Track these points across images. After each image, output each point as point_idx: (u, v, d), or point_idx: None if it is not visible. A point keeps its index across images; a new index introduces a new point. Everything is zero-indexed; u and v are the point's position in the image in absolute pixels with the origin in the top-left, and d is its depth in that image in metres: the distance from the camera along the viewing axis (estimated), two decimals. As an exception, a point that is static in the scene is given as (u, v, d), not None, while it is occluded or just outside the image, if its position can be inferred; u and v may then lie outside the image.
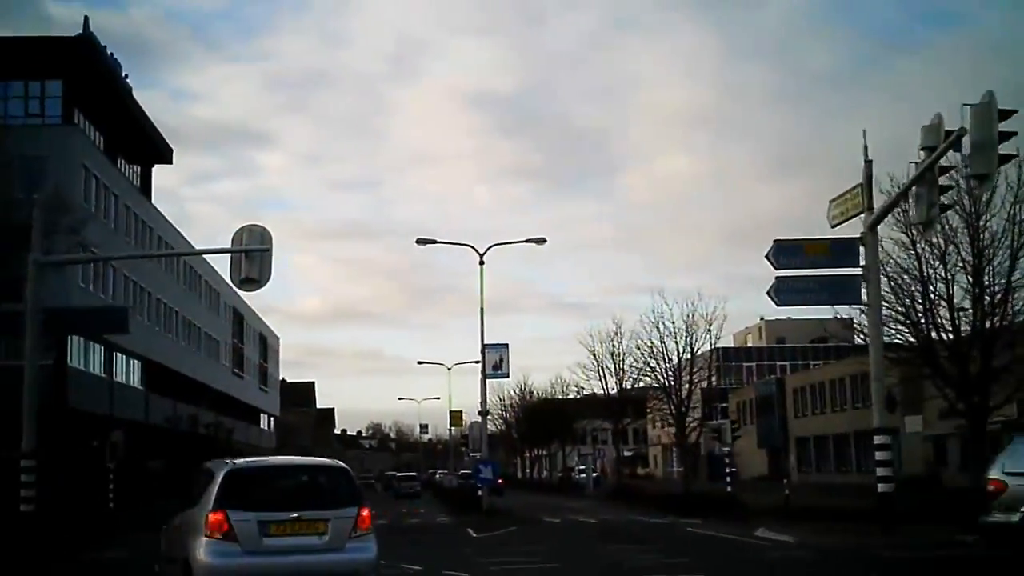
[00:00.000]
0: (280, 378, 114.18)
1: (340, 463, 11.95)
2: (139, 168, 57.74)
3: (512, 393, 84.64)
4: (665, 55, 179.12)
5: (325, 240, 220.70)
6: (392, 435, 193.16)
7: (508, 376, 35.15)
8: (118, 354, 49.65)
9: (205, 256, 70.51)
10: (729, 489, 37.66)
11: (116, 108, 49.64)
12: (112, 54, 48.67)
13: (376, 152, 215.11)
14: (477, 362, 74.73)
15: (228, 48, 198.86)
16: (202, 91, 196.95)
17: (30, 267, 21.50)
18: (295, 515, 10.53)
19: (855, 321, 28.77)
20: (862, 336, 28.68)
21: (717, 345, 46.31)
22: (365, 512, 10.88)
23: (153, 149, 56.73)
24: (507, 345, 34.88)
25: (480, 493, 34.79)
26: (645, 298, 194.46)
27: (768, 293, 22.63)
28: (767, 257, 22.47)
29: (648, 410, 58.03)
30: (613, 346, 52.80)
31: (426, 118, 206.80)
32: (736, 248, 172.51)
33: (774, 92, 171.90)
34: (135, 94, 52.44)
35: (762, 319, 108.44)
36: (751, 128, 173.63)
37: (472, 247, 35.55)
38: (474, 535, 25.77)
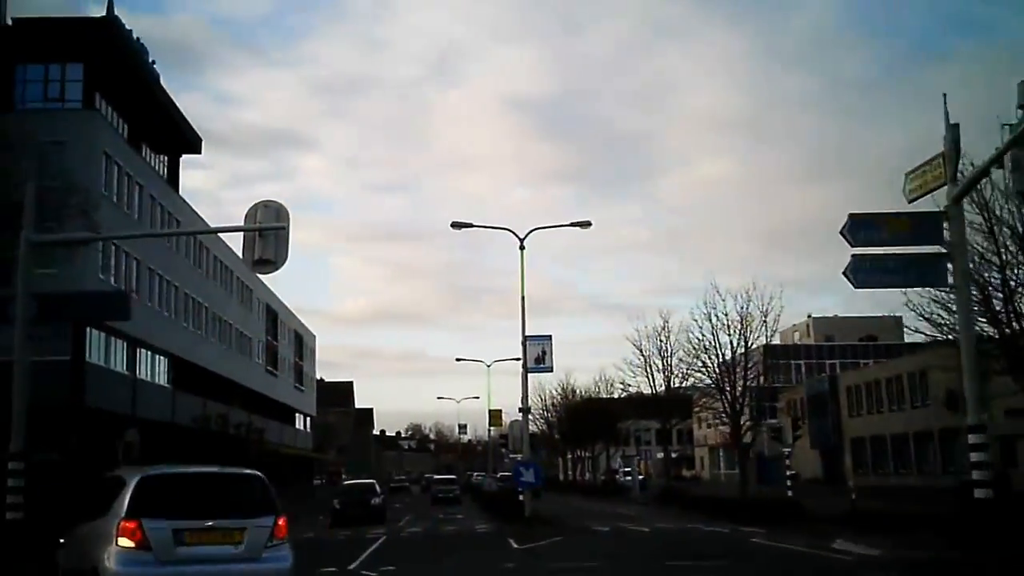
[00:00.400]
0: (317, 377, 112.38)
1: (256, 472, 11.64)
2: (166, 158, 55.66)
3: (554, 392, 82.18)
4: (702, 60, 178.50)
5: (365, 242, 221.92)
6: (432, 436, 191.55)
7: (552, 370, 32.52)
8: (142, 350, 47.62)
9: (237, 253, 69.01)
10: (790, 493, 34.89)
11: (141, 94, 47.59)
12: (138, 39, 46.66)
13: (416, 155, 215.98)
14: (517, 359, 72.51)
15: (270, 53, 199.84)
16: (244, 96, 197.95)
17: (21, 246, 19.03)
18: (210, 524, 10.37)
19: (916, 314, 26.08)
20: (936, 330, 26.31)
21: (764, 343, 43.50)
22: (282, 521, 10.77)
23: (181, 138, 54.61)
24: (550, 337, 32.32)
25: (521, 498, 32.28)
26: (683, 300, 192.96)
27: (844, 273, 20.03)
28: (842, 233, 19.95)
29: (698, 408, 55.09)
30: (660, 342, 50.16)
31: (465, 122, 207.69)
32: (773, 250, 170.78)
33: (809, 97, 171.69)
34: (166, 87, 50.60)
35: (809, 317, 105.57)
36: (787, 132, 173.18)
37: (511, 231, 33.13)
38: (516, 546, 23.21)
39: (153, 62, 49.06)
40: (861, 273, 19.92)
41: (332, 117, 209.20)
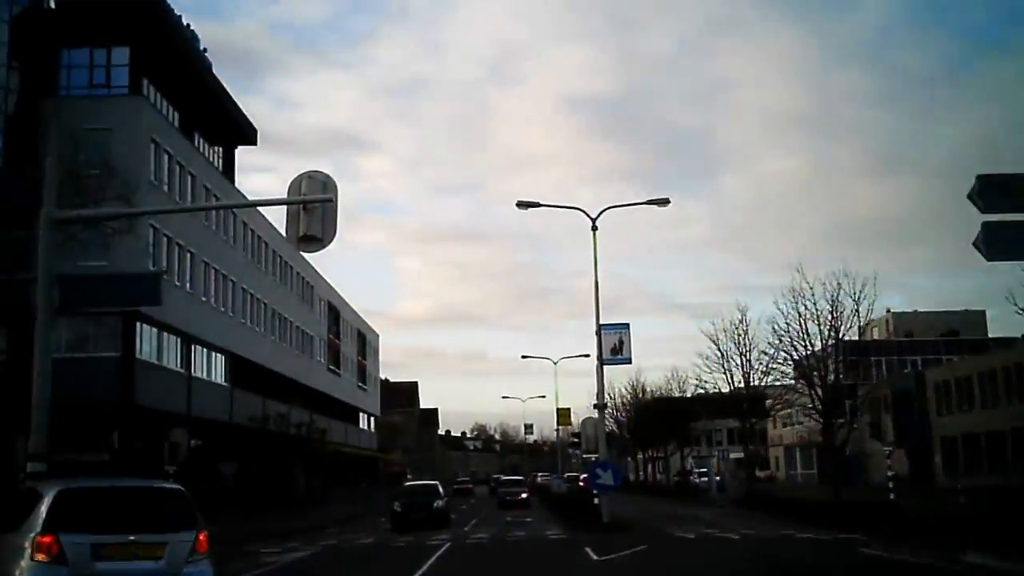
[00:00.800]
0: (382, 378, 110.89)
1: (177, 486, 11.55)
2: (220, 149, 54.03)
3: (623, 390, 79.39)
4: (762, 56, 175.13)
5: (429, 243, 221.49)
6: (497, 436, 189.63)
7: (630, 361, 29.87)
8: (197, 347, 45.98)
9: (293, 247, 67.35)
10: (892, 496, 31.89)
11: (191, 82, 45.95)
12: (188, 25, 45.05)
13: (477, 156, 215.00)
14: (585, 356, 70.07)
15: (332, 57, 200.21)
16: (306, 99, 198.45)
17: (41, 223, 16.84)
18: (131, 538, 10.22)
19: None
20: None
21: (858, 333, 40.41)
22: (202, 536, 10.67)
23: (235, 129, 52.98)
24: (627, 326, 29.68)
25: (597, 501, 29.75)
26: (749, 297, 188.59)
27: (975, 244, 17.03)
28: (970, 197, 16.97)
29: (778, 406, 51.96)
30: (738, 336, 47.18)
31: (526, 121, 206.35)
32: (838, 246, 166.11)
33: (870, 92, 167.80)
34: (218, 76, 49.01)
35: (889, 312, 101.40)
36: (849, 128, 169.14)
37: (583, 211, 30.60)
38: (595, 558, 20.65)
39: (205, 50, 47.48)
40: (994, 244, 16.93)
41: (394, 118, 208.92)
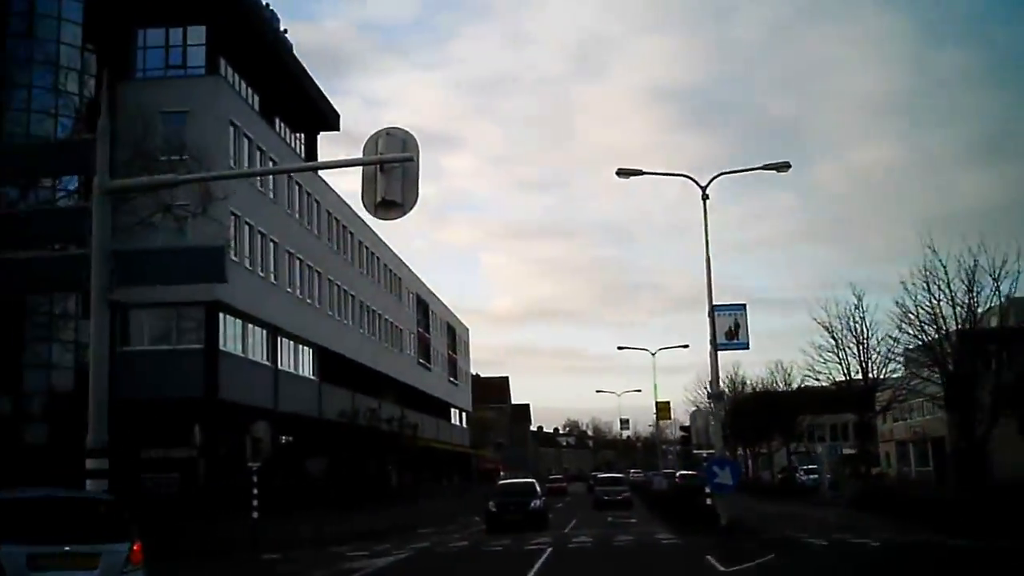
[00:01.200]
0: (472, 373, 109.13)
1: (111, 496, 11.49)
2: (303, 136, 52.44)
3: (721, 384, 75.88)
4: (854, 41, 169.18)
5: (515, 240, 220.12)
6: (589, 432, 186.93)
7: (748, 346, 26.96)
8: (284, 339, 44.43)
9: (383, 239, 65.63)
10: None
11: (271, 64, 44.30)
12: (268, 4, 43.43)
13: (563, 151, 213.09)
14: (684, 346, 67.72)
15: (416, 55, 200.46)
16: (392, 98, 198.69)
17: (94, 192, 14.73)
18: (66, 549, 10.17)
19: None
20: None
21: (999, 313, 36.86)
22: (136, 547, 10.67)
23: (317, 113, 51.33)
24: (744, 307, 26.88)
25: (710, 502, 27.01)
26: (844, 292, 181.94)
27: None
28: None
29: (899, 396, 48.23)
30: (854, 322, 43.71)
31: (612, 115, 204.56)
32: (939, 235, 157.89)
33: (970, 74, 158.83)
34: (299, 57, 47.36)
35: (1007, 298, 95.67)
36: (948, 112, 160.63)
37: (691, 178, 27.90)
38: (722, 569, 17.95)
39: (284, 31, 45.87)
40: None
41: (479, 115, 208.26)
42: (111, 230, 13.23)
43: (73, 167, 16.48)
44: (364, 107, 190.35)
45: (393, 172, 13.52)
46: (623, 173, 27.90)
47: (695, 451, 31.61)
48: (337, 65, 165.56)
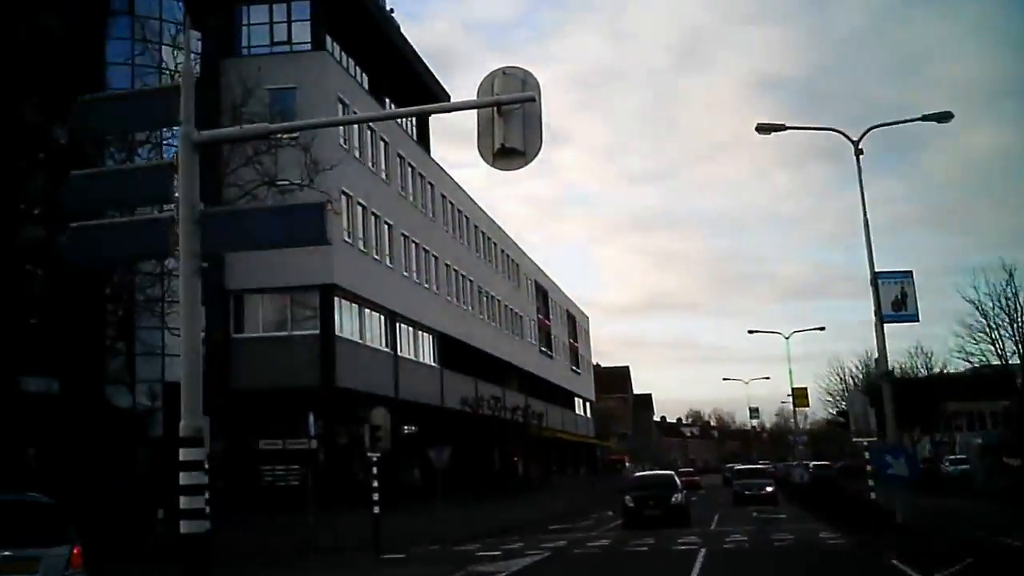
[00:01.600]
0: (593, 362, 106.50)
1: (50, 500, 11.20)
2: (413, 118, 50.52)
3: (853, 368, 71.74)
4: (961, 24, 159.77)
5: (626, 233, 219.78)
6: (712, 422, 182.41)
7: (917, 318, 23.71)
8: (403, 325, 42.69)
9: (499, 224, 63.58)
10: None
11: (378, 42, 42.53)
12: (373, -13, 41.68)
13: (670, 144, 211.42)
14: (820, 328, 63.39)
15: (521, 53, 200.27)
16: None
17: (179, 145, 12.53)
18: (6, 553, 10.11)
19: None
20: None
21: None
22: (76, 551, 10.57)
23: (427, 93, 49.42)
24: (911, 274, 23.63)
25: (874, 496, 23.88)
26: (961, 278, 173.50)
27: None
28: None
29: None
30: (1005, 300, 39.67)
31: (718, 106, 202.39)
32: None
33: None
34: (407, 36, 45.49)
35: None
36: None
37: (842, 133, 24.69)
38: (923, 577, 15.05)
39: (391, 10, 44.12)
40: None
41: (586, 110, 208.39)
42: (218, 201, 11.19)
43: (161, 121, 14.22)
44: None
45: (512, 115, 10.98)
46: (763, 129, 24.88)
47: (854, 439, 28.56)
48: (444, 64, 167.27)
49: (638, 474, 40.98)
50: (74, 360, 30.40)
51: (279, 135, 26.97)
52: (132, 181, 11.63)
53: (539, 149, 11.00)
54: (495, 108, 10.82)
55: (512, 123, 10.77)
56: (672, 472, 36.14)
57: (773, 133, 25.23)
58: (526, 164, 11.19)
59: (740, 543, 22.26)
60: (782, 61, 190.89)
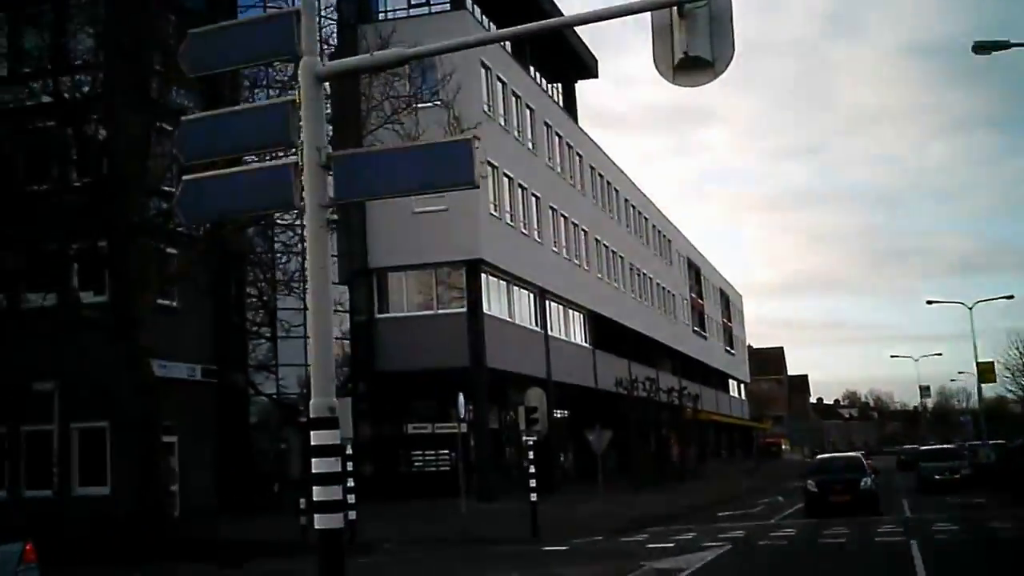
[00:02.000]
0: (746, 343, 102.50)
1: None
2: (560, 86, 48.31)
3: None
4: None
5: (774, 211, 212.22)
6: (871, 403, 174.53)
7: None
8: (552, 303, 40.65)
9: (648, 197, 60.91)
10: None
11: (521, 5, 40.37)
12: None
13: (820, 116, 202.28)
14: (1008, 297, 58.61)
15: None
16: (641, 74, 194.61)
17: (301, 77, 10.60)
18: None
19: None
20: None
21: None
22: (29, 547, 10.65)
23: (573, 59, 47.08)
24: None
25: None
26: None
27: None
28: None
29: None
30: None
31: (870, 75, 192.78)
32: None
33: None
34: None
35: None
36: None
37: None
38: None
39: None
40: None
41: (731, 85, 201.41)
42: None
43: (279, 51, 12.20)
44: (613, 85, 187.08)
45: (696, 16, 8.53)
46: (982, 48, 21.57)
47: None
48: (588, 31, 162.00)
49: (821, 456, 37.59)
50: (218, 345, 29.61)
51: (420, 92, 25.44)
52: (247, 124, 9.59)
53: (731, 57, 8.54)
54: (674, 8, 8.48)
55: (696, 26, 8.35)
56: (859, 454, 32.90)
57: (993, 52, 21.84)
58: (716, 77, 8.73)
59: (952, 532, 19.30)
60: (940, 22, 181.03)
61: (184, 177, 7.95)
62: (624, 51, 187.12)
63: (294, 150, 8.37)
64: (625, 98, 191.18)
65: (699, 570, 14.99)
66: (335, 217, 10.06)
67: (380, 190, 10.24)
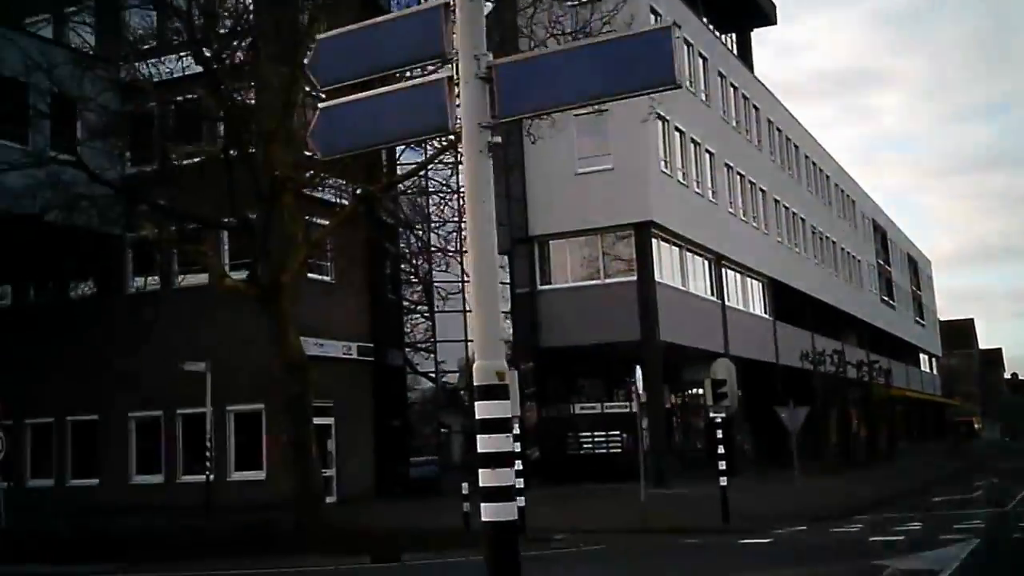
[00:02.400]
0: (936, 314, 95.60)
1: None
2: (734, 36, 44.76)
3: None
4: None
5: (953, 176, 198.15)
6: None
7: None
8: (729, 270, 37.41)
9: (830, 153, 56.59)
10: None
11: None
12: None
13: (1001, 73, 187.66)
14: None
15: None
16: (807, 43, 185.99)
17: None
18: None
19: None
20: None
21: None
22: None
23: (749, 7, 43.48)
24: None
25: None
26: None
27: None
28: None
29: None
30: None
31: None
32: None
33: None
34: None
35: None
36: None
37: None
38: None
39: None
40: None
41: (901, 48, 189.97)
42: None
43: None
44: (778, 55, 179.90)
45: None
46: None
47: None
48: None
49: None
50: (374, 322, 28.04)
51: (589, 27, 22.94)
52: (391, 36, 7.04)
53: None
54: None
55: None
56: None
57: None
58: None
59: None
60: None
61: (319, 104, 5.99)
62: (788, 19, 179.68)
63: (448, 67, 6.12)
64: (790, 67, 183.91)
65: (957, 571, 11.85)
66: (498, 139, 7.78)
67: (555, 100, 7.29)
